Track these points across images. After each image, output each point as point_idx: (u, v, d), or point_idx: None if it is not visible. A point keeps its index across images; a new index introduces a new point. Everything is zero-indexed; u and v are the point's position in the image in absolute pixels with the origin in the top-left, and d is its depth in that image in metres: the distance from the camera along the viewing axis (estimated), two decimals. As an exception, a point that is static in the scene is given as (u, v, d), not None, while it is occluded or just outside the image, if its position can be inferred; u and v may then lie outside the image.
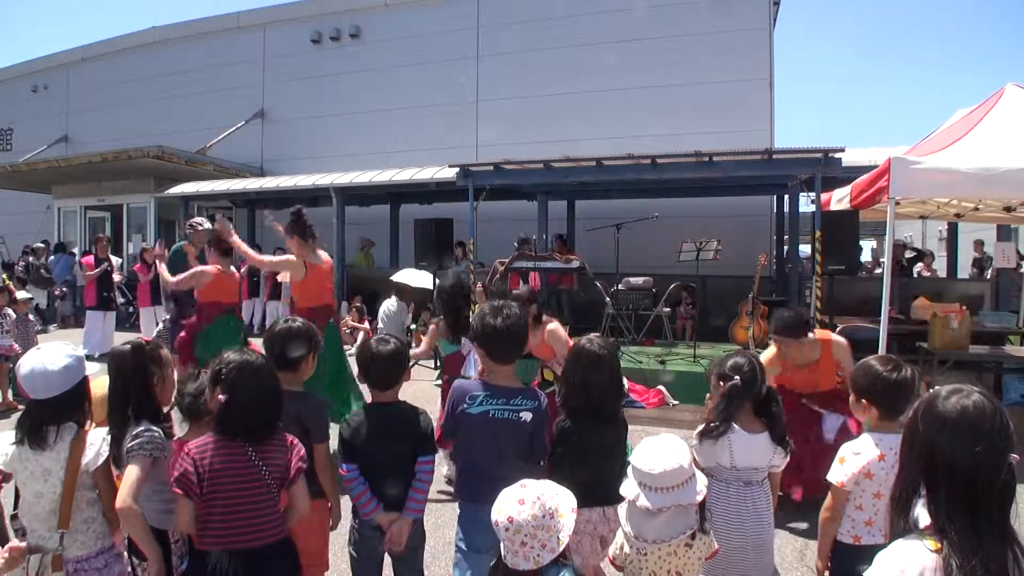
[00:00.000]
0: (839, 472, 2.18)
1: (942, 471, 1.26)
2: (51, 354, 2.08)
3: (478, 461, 2.35)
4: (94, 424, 2.22)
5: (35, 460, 2.03)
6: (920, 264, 11.87)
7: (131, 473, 1.98)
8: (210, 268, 5.33)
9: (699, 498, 1.97)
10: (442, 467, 3.85)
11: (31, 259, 13.82)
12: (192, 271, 5.46)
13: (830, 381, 3.91)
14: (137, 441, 2.04)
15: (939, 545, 1.22)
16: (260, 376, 2.07)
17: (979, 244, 12.46)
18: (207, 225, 6.70)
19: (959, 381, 1.39)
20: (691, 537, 1.98)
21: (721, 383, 2.43)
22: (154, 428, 2.11)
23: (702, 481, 2.01)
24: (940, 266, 12.95)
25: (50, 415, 2.05)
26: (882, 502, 2.15)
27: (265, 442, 2.02)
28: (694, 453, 2.35)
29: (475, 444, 2.35)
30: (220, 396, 1.99)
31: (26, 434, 2.03)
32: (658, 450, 1.98)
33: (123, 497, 1.94)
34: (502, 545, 1.64)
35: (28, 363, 2.06)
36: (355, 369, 2.78)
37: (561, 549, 1.62)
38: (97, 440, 2.09)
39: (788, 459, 2.47)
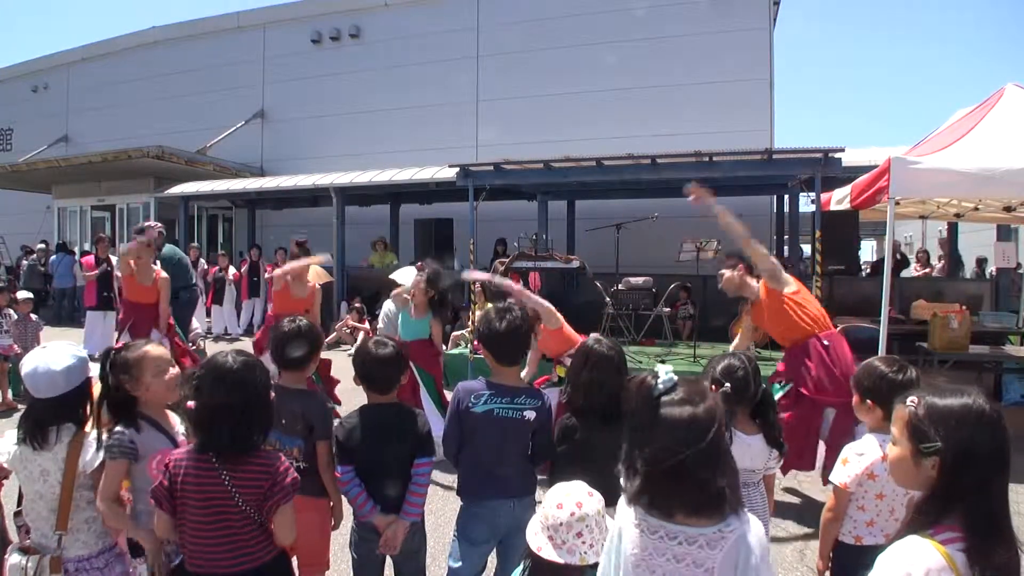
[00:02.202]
0: (842, 473, 2.18)
1: (972, 470, 1.25)
2: (55, 354, 2.08)
3: (481, 459, 2.37)
4: (95, 425, 2.21)
5: (34, 460, 2.03)
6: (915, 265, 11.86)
7: (105, 474, 2.02)
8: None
9: None
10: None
11: (32, 258, 13.83)
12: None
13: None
14: (106, 444, 2.04)
15: (943, 546, 1.21)
16: (234, 382, 1.85)
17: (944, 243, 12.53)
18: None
19: (958, 381, 1.40)
20: None
21: (713, 387, 2.41)
22: (124, 430, 2.06)
23: None
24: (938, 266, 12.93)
25: (51, 415, 2.05)
26: (884, 503, 2.15)
27: (242, 461, 1.81)
28: None
29: (478, 442, 2.36)
30: (188, 404, 1.89)
31: (27, 433, 2.03)
32: None
33: (100, 497, 2.00)
34: (545, 539, 1.62)
35: (32, 362, 2.06)
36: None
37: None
38: (94, 441, 2.08)
39: (783, 462, 2.47)
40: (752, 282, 4.06)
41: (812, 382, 3.77)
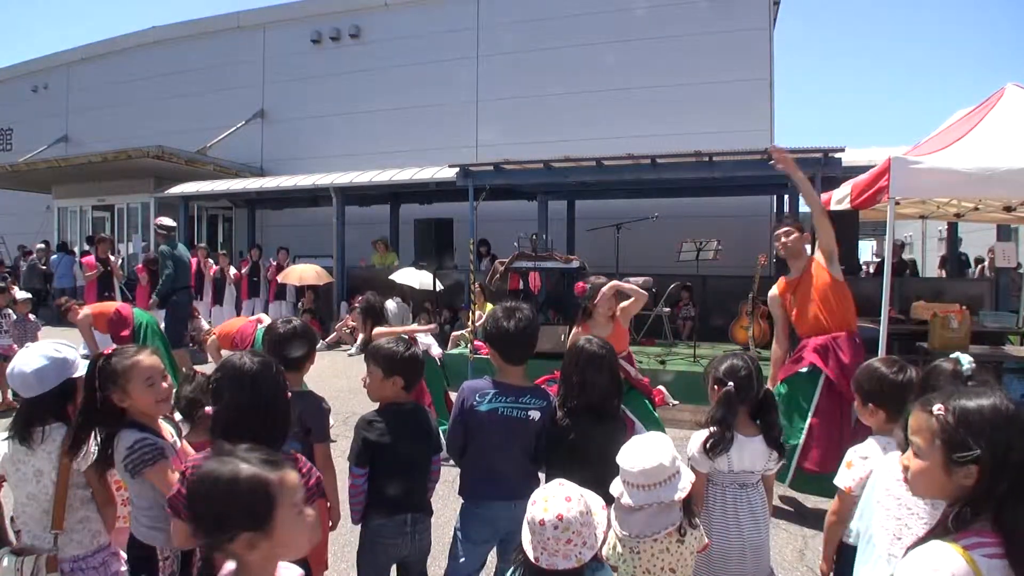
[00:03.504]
0: (846, 477, 2.16)
1: (1009, 473, 1.21)
2: (31, 355, 2.05)
3: (484, 458, 2.36)
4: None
5: (27, 462, 2.01)
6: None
7: (153, 484, 1.94)
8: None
9: (681, 495, 1.93)
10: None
11: (32, 258, 13.83)
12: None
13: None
14: (132, 459, 1.93)
15: (966, 552, 1.20)
16: (252, 383, 1.83)
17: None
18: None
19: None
20: (680, 532, 1.97)
21: (716, 387, 2.41)
22: (143, 436, 1.97)
23: (687, 478, 1.98)
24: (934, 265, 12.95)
25: (35, 414, 2.03)
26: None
27: None
28: (693, 460, 2.34)
29: (482, 441, 2.34)
30: (207, 409, 1.87)
31: (16, 432, 2.02)
32: (641, 449, 1.97)
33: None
34: (536, 545, 1.61)
35: (13, 361, 2.07)
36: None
37: (599, 546, 1.63)
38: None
39: (781, 463, 2.46)
40: (807, 252, 4.05)
41: (845, 373, 3.59)
